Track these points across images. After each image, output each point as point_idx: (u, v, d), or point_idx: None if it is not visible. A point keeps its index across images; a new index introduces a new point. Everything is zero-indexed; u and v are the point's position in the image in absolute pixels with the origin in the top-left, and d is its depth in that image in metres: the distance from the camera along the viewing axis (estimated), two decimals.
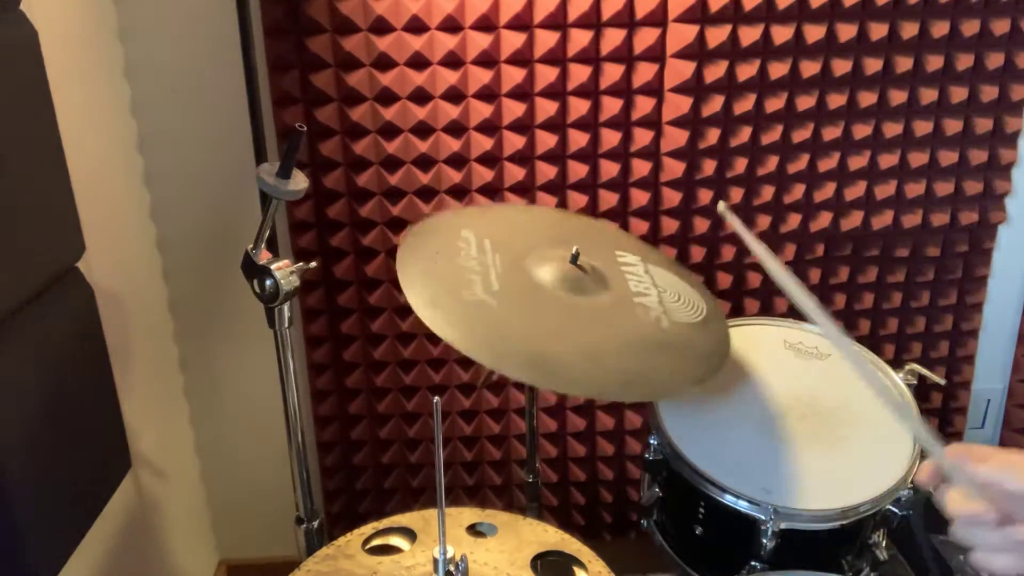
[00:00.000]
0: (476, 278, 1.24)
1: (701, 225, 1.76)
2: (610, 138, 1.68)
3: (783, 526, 1.24)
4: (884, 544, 1.32)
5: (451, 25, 1.58)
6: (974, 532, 0.74)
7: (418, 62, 1.60)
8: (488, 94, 1.63)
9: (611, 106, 1.65)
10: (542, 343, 1.18)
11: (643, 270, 1.41)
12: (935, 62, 1.66)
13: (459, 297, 1.19)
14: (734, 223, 1.07)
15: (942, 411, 1.97)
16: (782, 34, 1.62)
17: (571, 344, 1.19)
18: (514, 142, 1.67)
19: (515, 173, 1.69)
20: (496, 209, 1.64)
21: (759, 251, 0.98)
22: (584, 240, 1.33)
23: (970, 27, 1.64)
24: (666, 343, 1.27)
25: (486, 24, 1.58)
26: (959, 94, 1.69)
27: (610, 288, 1.32)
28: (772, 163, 1.72)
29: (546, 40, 1.60)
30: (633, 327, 1.26)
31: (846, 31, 1.62)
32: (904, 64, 1.66)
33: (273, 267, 1.23)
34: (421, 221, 1.38)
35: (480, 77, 1.62)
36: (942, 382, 1.75)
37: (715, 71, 1.64)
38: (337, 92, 1.61)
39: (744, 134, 1.69)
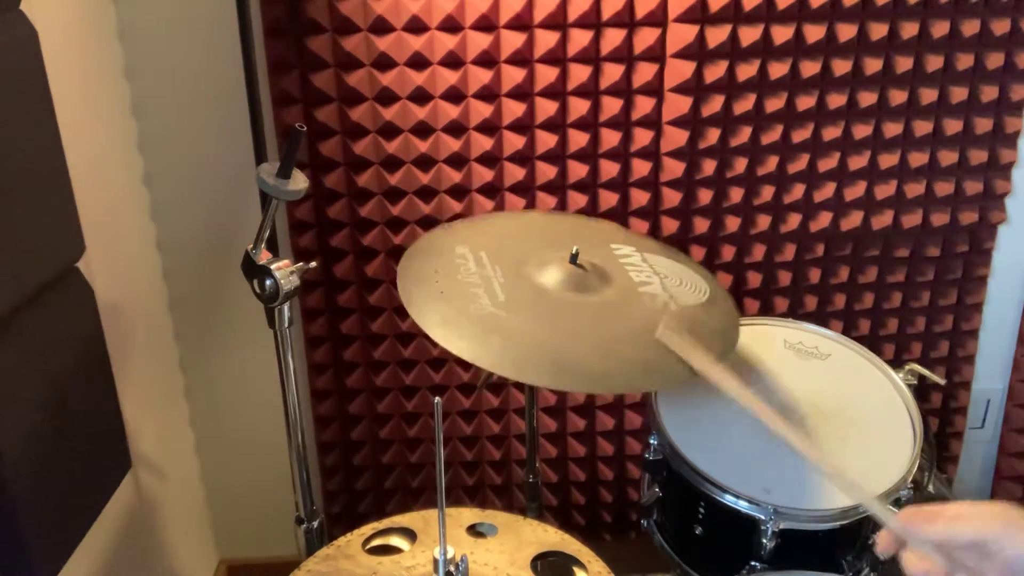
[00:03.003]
0: (480, 291, 1.24)
1: (701, 225, 1.76)
2: (610, 138, 1.68)
3: (783, 526, 1.24)
4: None
5: (451, 25, 1.58)
6: None
7: (418, 62, 1.60)
8: (488, 94, 1.63)
9: (611, 106, 1.65)
10: (559, 347, 1.17)
11: (640, 259, 1.41)
12: (935, 62, 1.66)
13: (467, 313, 1.19)
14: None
15: (942, 411, 1.97)
16: (782, 34, 1.62)
17: (587, 343, 1.19)
18: (514, 142, 1.67)
19: (515, 173, 1.69)
20: (484, 220, 1.63)
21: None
22: (577, 239, 1.33)
23: (970, 27, 1.64)
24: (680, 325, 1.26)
25: (486, 24, 1.58)
26: (959, 94, 1.69)
27: (613, 282, 1.32)
28: (772, 163, 1.72)
29: (546, 40, 1.60)
30: (644, 315, 1.26)
31: (846, 31, 1.62)
32: (904, 64, 1.66)
33: (273, 267, 1.23)
34: (411, 245, 1.37)
35: (480, 77, 1.62)
36: (942, 382, 1.75)
37: (715, 71, 1.64)
38: (337, 92, 1.61)
39: (744, 134, 1.69)
